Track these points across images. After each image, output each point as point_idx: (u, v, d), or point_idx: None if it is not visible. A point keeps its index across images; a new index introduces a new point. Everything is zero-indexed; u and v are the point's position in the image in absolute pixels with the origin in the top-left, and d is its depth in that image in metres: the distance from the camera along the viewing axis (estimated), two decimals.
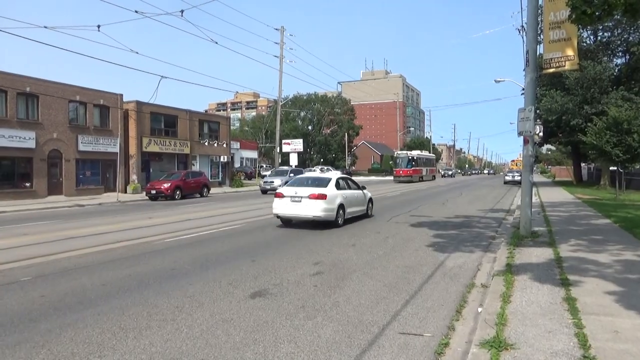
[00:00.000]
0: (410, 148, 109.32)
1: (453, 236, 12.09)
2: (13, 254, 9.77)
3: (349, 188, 15.30)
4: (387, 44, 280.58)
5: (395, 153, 57.47)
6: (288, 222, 14.54)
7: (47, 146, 28.89)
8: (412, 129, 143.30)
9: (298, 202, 13.57)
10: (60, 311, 5.78)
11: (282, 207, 13.88)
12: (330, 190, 13.81)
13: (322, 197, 13.34)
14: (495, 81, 39.98)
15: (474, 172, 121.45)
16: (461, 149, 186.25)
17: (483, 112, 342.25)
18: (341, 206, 13.97)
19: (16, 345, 4.68)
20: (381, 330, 5.07)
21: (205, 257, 9.29)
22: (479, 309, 5.65)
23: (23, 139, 27.29)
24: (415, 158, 54.35)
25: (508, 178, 49.27)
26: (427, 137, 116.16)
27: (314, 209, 13.29)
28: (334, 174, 16.20)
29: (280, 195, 13.99)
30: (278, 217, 14.36)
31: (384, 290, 6.73)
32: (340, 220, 13.93)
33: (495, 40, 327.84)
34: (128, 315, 5.58)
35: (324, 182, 14.27)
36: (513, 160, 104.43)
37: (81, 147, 30.88)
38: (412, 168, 52.84)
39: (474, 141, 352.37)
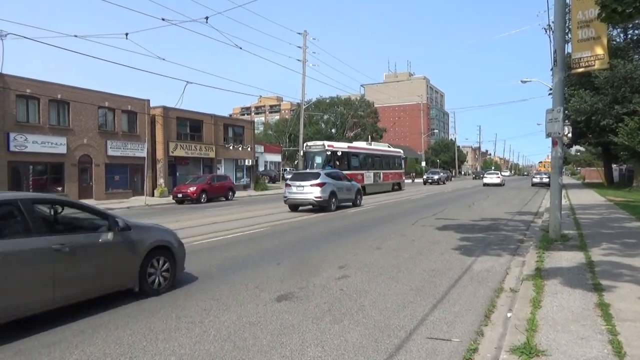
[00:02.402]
0: (435, 151, 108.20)
1: (480, 239, 11.91)
2: None
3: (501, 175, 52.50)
4: (410, 46, 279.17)
5: (305, 145, 31.74)
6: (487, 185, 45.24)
7: (77, 151, 29.71)
8: (436, 131, 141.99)
9: (491, 179, 47.72)
10: (94, 313, 5.92)
11: (486, 180, 46.57)
12: (502, 176, 50.78)
13: (500, 184, 46.24)
14: (522, 81, 39.37)
15: (485, 175, 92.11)
16: (487, 150, 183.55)
17: (509, 114, 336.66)
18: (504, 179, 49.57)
19: (51, 345, 4.82)
20: (408, 334, 5.04)
21: (232, 260, 9.38)
22: (509, 314, 5.55)
23: (55, 145, 28.15)
24: (341, 155, 29.77)
25: (536, 180, 48.37)
26: (451, 139, 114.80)
27: (497, 180, 46.63)
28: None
29: (484, 177, 49.47)
30: (485, 184, 45.09)
31: (410, 294, 6.67)
32: (503, 183, 48.66)
33: (520, 40, 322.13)
34: (157, 317, 5.69)
35: (498, 172, 52.39)
36: (541, 162, 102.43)
37: (110, 152, 31.66)
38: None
39: (500, 143, 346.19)
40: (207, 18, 22.85)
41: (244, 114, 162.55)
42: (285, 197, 20.63)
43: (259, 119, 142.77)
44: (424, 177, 58.44)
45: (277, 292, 6.82)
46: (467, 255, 9.62)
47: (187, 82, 27.28)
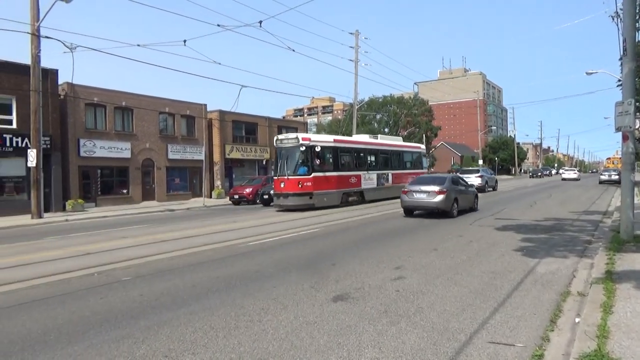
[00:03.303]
0: (493, 148, 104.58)
1: (543, 240, 11.38)
2: (115, 255, 10.63)
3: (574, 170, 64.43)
4: (465, 41, 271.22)
5: (275, 139, 23.77)
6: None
7: (140, 155, 31.18)
8: (493, 127, 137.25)
9: (569, 175, 59.66)
10: (157, 309, 6.19)
11: (564, 176, 59.16)
12: (578, 173, 63.98)
13: (576, 179, 57.76)
14: (587, 73, 37.15)
15: (545, 172, 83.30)
16: (549, 147, 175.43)
17: (573, 108, 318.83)
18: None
19: (120, 340, 5.08)
20: (468, 338, 4.89)
21: (287, 260, 9.50)
22: (577, 319, 5.26)
23: (120, 150, 29.70)
24: (321, 151, 22.55)
25: (604, 177, 45.65)
26: (510, 136, 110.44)
27: (575, 175, 59.13)
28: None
29: (563, 172, 62.29)
30: (563, 179, 57.59)
31: (469, 296, 6.48)
32: (579, 178, 60.69)
33: (584, 30, 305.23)
34: (217, 316, 5.85)
35: (575, 169, 65.46)
36: (609, 158, 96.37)
37: (170, 156, 32.98)
38: (313, 175, 21.99)
39: (563, 139, 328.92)
40: (260, 22, 23.28)
41: (296, 116, 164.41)
42: None
43: (312, 120, 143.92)
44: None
45: (333, 292, 6.83)
46: (529, 257, 9.23)
47: (242, 85, 27.99)
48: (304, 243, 11.76)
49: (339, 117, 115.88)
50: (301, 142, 21.89)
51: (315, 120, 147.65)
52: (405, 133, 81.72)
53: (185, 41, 22.33)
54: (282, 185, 21.94)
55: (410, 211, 18.07)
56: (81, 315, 6.05)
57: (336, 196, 23.36)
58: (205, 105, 35.86)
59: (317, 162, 22.31)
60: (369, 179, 26.17)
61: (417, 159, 33.29)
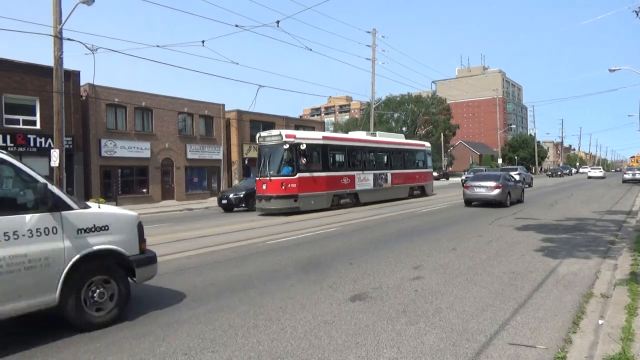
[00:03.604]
0: (512, 147, 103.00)
1: (565, 240, 11.18)
2: None
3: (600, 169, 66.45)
4: (484, 39, 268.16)
5: (258, 137, 21.58)
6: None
7: (160, 155, 31.61)
8: (513, 126, 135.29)
9: (594, 173, 60.62)
10: (177, 308, 6.26)
11: (590, 174, 60.58)
12: (603, 171, 65.90)
13: (602, 177, 58.71)
14: (610, 70, 36.35)
15: (565, 171, 79.61)
16: (570, 145, 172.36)
17: (596, 105, 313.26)
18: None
19: (141, 337, 5.15)
20: (488, 339, 4.83)
21: (305, 259, 9.52)
22: (600, 321, 5.15)
23: (140, 149, 30.17)
24: (307, 149, 20.37)
25: (627, 176, 44.66)
26: (530, 134, 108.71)
27: (600, 174, 60.35)
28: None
29: (589, 171, 63.85)
30: (589, 177, 58.32)
31: (489, 297, 6.41)
32: (605, 177, 61.51)
33: (606, 26, 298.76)
34: (236, 314, 5.89)
35: (601, 167, 69.25)
36: (633, 157, 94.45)
37: (189, 155, 33.36)
38: (299, 175, 19.94)
39: (585, 137, 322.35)
40: (278, 22, 23.31)
41: (313, 115, 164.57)
42: None
43: (329, 119, 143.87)
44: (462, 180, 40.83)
45: (351, 291, 6.83)
46: (550, 257, 9.08)
47: (260, 85, 28.11)
48: (321, 242, 11.77)
49: (356, 116, 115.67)
50: (285, 139, 19.93)
51: (333, 119, 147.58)
52: (423, 132, 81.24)
53: (203, 42, 22.49)
54: (264, 187, 20.11)
55: (469, 202, 21.39)
56: None
57: (325, 198, 21.37)
58: (223, 105, 36.18)
59: (303, 161, 20.34)
60: (364, 180, 24.11)
61: (421, 158, 30.94)
